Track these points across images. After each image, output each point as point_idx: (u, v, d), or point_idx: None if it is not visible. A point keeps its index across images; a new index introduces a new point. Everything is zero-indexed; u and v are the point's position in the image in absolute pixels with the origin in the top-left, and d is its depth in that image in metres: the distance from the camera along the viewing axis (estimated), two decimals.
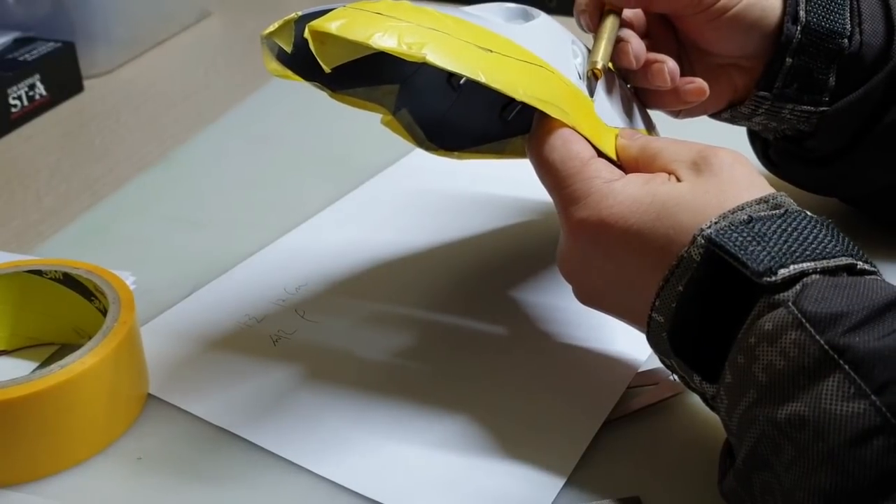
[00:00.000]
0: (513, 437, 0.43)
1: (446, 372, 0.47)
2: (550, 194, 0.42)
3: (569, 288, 0.43)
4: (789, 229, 0.35)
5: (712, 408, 0.38)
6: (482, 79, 0.39)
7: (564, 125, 0.41)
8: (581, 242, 0.40)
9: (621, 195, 0.39)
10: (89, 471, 0.41)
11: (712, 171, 0.39)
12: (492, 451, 0.42)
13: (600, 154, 0.42)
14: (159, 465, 0.42)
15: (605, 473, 0.41)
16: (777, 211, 0.36)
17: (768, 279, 0.33)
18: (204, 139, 0.72)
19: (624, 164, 0.42)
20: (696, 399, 0.45)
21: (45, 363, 0.47)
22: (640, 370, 0.46)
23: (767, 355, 0.33)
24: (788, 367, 0.32)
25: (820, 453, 0.30)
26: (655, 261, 0.38)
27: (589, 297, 0.43)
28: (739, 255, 0.34)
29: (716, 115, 0.53)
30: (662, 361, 0.39)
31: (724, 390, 0.35)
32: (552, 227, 0.59)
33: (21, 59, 0.76)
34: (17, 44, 0.78)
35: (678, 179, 0.39)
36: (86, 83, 0.81)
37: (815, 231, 0.35)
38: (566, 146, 0.41)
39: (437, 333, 0.50)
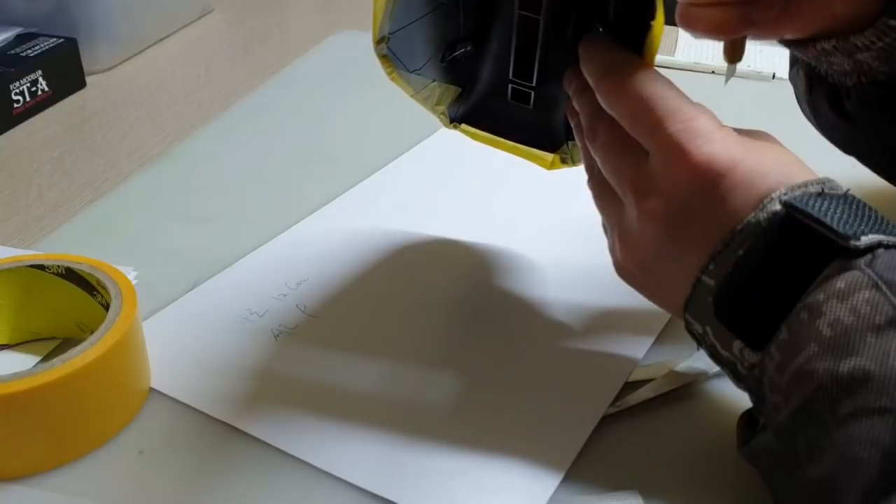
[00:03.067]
0: (512, 431, 0.43)
1: (446, 366, 0.47)
2: (645, 126, 0.39)
3: (568, 284, 0.43)
4: (853, 207, 0.36)
5: (741, 378, 0.38)
6: None
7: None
8: (701, 179, 0.37)
9: (738, 139, 0.38)
10: (91, 465, 0.42)
11: (775, 142, 0.39)
12: (491, 444, 0.42)
13: None
14: (161, 458, 0.42)
15: (604, 467, 0.41)
16: (836, 192, 0.37)
17: (854, 243, 0.34)
18: (206, 135, 0.72)
19: None
20: (694, 393, 0.45)
21: (47, 357, 0.48)
22: (638, 365, 0.47)
23: (835, 311, 0.33)
24: (858, 323, 0.33)
25: (882, 408, 0.31)
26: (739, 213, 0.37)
27: (655, 247, 0.40)
28: (823, 220, 0.35)
29: (794, 43, 0.46)
30: (689, 327, 0.39)
31: (776, 347, 0.35)
32: (555, 223, 0.59)
33: (23, 54, 0.76)
34: (20, 39, 0.79)
35: None
36: (88, 79, 0.81)
37: (873, 213, 0.36)
38: (671, 84, 0.40)
39: (437, 328, 0.50)
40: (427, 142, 0.69)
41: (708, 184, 0.37)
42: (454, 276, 0.54)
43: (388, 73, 0.49)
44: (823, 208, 0.35)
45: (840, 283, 0.34)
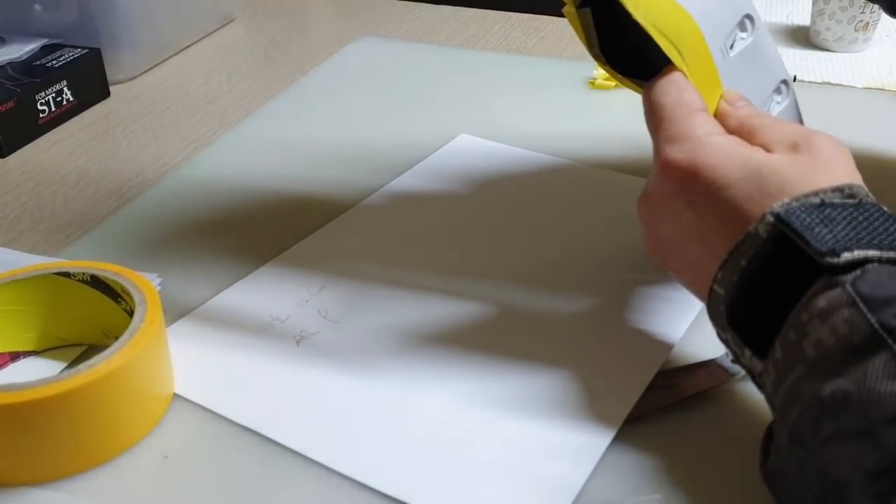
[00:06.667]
0: (533, 436, 0.43)
1: (467, 371, 0.47)
2: (651, 135, 0.43)
3: (590, 287, 0.43)
4: (860, 218, 0.35)
5: (759, 385, 0.38)
6: None
7: (681, 73, 0.43)
8: (668, 183, 0.41)
9: (719, 148, 0.40)
10: (116, 469, 0.42)
11: (811, 151, 0.39)
12: (512, 449, 0.42)
13: None
14: (184, 463, 0.42)
15: (625, 473, 0.41)
16: (851, 200, 0.36)
17: (830, 260, 0.34)
18: (228, 142, 0.72)
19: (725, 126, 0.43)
20: (720, 396, 0.45)
21: (73, 364, 0.48)
22: (660, 370, 0.46)
23: (818, 332, 0.33)
24: (837, 343, 0.32)
25: (861, 430, 0.30)
26: (732, 220, 0.38)
27: (658, 244, 0.43)
28: (805, 234, 0.35)
29: None
30: (718, 335, 0.40)
31: (772, 365, 0.35)
32: (582, 222, 0.59)
33: (48, 65, 0.77)
34: (45, 51, 0.80)
35: None
36: (112, 89, 0.82)
37: (886, 223, 0.35)
38: (680, 94, 0.42)
39: (459, 332, 0.50)
40: (448, 147, 0.69)
41: (671, 185, 0.41)
42: (477, 280, 0.54)
43: (618, 80, 0.50)
44: (813, 221, 0.35)
45: (822, 301, 0.33)
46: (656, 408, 0.44)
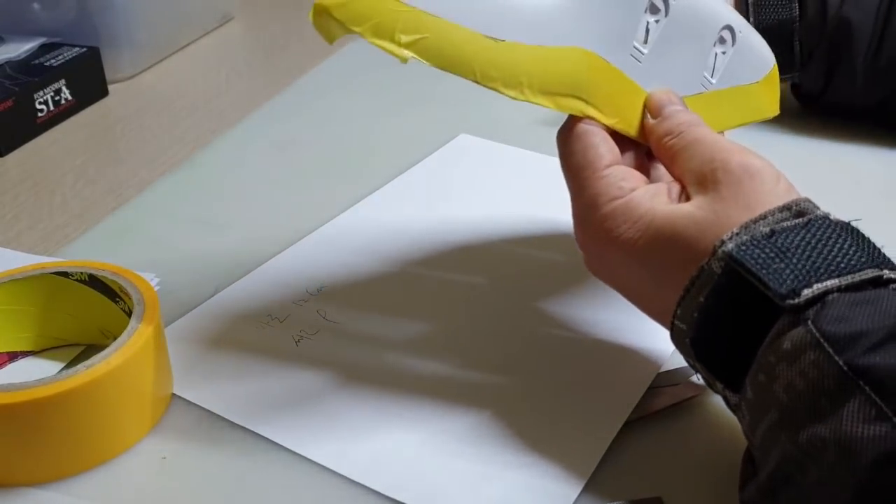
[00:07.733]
0: (533, 438, 0.43)
1: (466, 372, 0.47)
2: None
3: (589, 289, 0.43)
4: (813, 241, 0.34)
5: (735, 414, 0.38)
6: (476, 77, 0.37)
7: (588, 118, 0.41)
8: (588, 257, 0.42)
9: (623, 216, 0.39)
10: (114, 470, 0.42)
11: (717, 189, 0.38)
12: (512, 451, 0.42)
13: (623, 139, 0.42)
14: (183, 463, 0.42)
15: (627, 474, 0.41)
16: (800, 220, 0.35)
17: (791, 301, 0.33)
18: (226, 142, 0.72)
19: (650, 144, 0.43)
20: (717, 400, 0.45)
21: (71, 364, 0.48)
22: (661, 371, 0.46)
23: (787, 375, 0.32)
24: (808, 388, 0.31)
25: (844, 476, 0.30)
26: (655, 283, 0.39)
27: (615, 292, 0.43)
28: (762, 276, 0.33)
29: None
30: (687, 362, 0.39)
31: (745, 405, 0.35)
32: (567, 224, 0.59)
33: (47, 64, 0.77)
34: (43, 49, 0.80)
35: (687, 196, 0.39)
36: (110, 88, 0.82)
37: (839, 241, 0.34)
38: (585, 152, 0.41)
39: (458, 334, 0.50)
40: (447, 147, 0.69)
41: (591, 261, 0.42)
42: (475, 282, 0.54)
43: None
44: (768, 256, 0.34)
45: (787, 342, 0.32)
46: (656, 409, 0.44)
